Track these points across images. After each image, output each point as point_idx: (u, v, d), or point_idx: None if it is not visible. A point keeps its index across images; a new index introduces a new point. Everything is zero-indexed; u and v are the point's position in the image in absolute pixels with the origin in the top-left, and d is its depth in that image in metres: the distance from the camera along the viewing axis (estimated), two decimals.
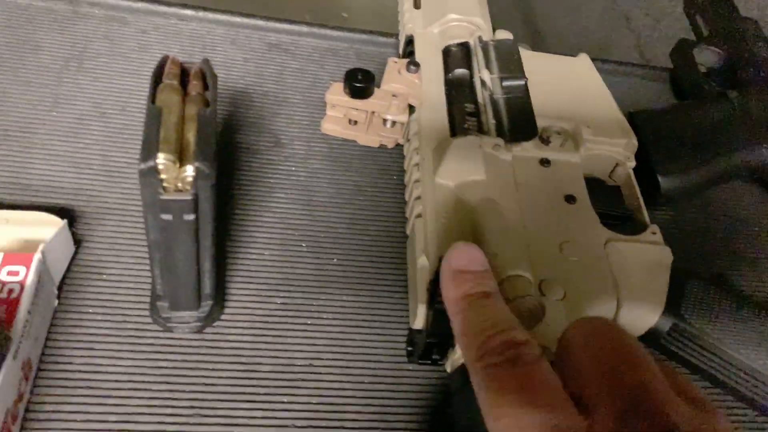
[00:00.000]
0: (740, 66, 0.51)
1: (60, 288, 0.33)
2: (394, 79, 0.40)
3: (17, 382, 0.27)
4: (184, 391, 0.31)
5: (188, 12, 0.48)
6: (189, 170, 0.25)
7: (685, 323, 0.32)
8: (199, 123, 0.26)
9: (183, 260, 0.28)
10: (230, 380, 0.32)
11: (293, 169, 0.41)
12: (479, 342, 0.23)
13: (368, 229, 0.39)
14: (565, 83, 0.43)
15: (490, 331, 0.23)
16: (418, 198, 0.35)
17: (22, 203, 0.35)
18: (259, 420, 0.31)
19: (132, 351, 0.32)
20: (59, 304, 0.32)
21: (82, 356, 0.31)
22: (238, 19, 0.49)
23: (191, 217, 0.26)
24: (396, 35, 0.50)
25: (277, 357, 0.33)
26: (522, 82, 0.40)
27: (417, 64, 0.41)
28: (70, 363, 0.31)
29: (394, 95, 0.39)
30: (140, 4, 0.47)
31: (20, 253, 0.30)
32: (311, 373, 0.33)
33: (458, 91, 0.41)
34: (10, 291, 0.28)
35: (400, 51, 0.46)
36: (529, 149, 0.38)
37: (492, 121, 0.39)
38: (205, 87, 0.29)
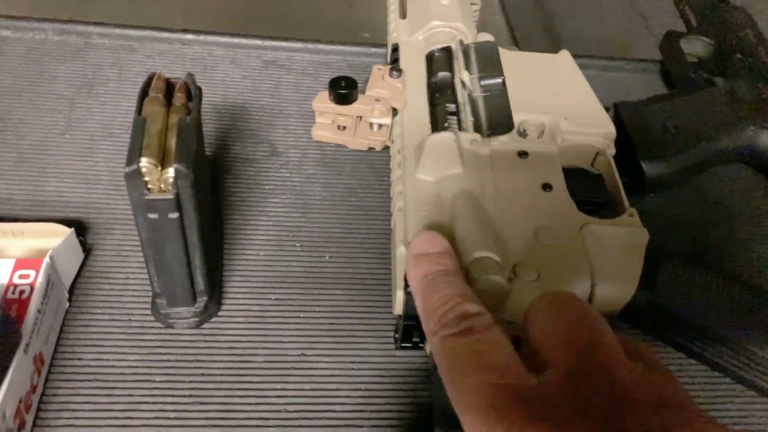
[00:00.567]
0: (728, 54, 0.51)
1: (71, 291, 0.36)
2: (378, 84, 0.42)
3: (29, 375, 0.30)
4: (183, 382, 0.33)
5: (190, 36, 0.51)
6: (170, 172, 0.27)
7: (660, 299, 0.33)
8: (179, 129, 0.29)
9: (173, 256, 0.30)
10: (227, 370, 0.34)
11: (288, 175, 0.44)
12: (436, 317, 0.25)
13: (359, 228, 0.41)
14: (545, 79, 0.45)
15: (446, 306, 0.25)
16: (400, 193, 0.37)
17: (37, 218, 0.38)
18: (253, 406, 0.33)
19: (136, 347, 0.34)
20: (71, 305, 0.35)
21: (91, 352, 0.34)
22: (236, 40, 0.52)
23: (175, 215, 0.28)
24: (386, 45, 0.53)
25: (271, 348, 0.35)
26: (499, 80, 0.42)
27: (399, 70, 0.43)
28: (81, 359, 0.33)
29: (377, 100, 0.42)
30: (146, 32, 0.51)
31: (31, 258, 0.33)
32: (303, 362, 0.35)
33: (440, 93, 0.43)
34: (22, 292, 0.31)
35: (388, 59, 0.49)
36: (507, 142, 0.39)
37: (470, 119, 0.40)
38: (189, 98, 0.31)
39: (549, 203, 0.37)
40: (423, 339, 0.34)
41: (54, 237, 0.35)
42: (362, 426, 0.33)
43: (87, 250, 0.38)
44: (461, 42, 0.45)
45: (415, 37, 0.47)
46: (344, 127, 0.43)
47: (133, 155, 0.27)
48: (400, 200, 0.37)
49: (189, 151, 0.28)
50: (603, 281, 0.33)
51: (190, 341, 0.35)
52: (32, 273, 0.32)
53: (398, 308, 0.32)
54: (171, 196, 0.28)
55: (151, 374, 0.33)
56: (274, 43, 0.52)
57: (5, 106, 0.45)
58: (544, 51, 0.47)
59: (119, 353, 0.34)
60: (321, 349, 0.35)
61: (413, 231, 0.34)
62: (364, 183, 0.44)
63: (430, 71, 0.45)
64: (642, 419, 0.20)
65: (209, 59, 0.51)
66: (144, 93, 0.31)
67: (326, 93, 0.41)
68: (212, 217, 0.37)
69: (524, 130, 0.40)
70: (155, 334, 0.35)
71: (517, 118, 0.40)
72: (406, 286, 0.31)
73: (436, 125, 0.40)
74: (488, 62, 0.43)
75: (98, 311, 0.35)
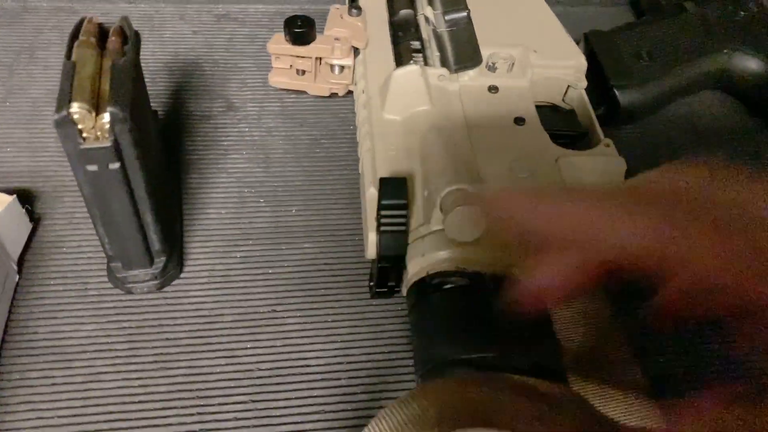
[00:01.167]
0: None
1: (20, 264, 0.33)
2: (337, 23, 0.40)
3: None
4: (146, 348, 0.31)
5: None
6: (106, 117, 0.25)
7: None
8: (113, 72, 0.26)
9: (121, 213, 0.28)
10: (192, 333, 0.32)
11: (247, 129, 0.41)
12: None
13: (326, 178, 0.39)
14: (512, 13, 0.43)
15: None
16: (368, 133, 0.35)
17: None
18: (223, 367, 0.31)
19: (94, 315, 0.32)
20: (21, 278, 0.33)
21: (45, 325, 0.32)
22: None
23: (116, 165, 0.26)
24: None
25: (240, 307, 0.33)
26: (464, 14, 0.40)
27: (359, 8, 0.40)
28: (35, 333, 0.31)
29: (337, 39, 0.39)
30: None
31: None
32: (274, 318, 0.33)
33: (403, 31, 0.41)
34: None
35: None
36: (476, 77, 0.38)
37: (436, 54, 0.38)
38: (124, 42, 0.29)
39: (522, 136, 0.35)
40: (399, 282, 0.32)
41: None
42: (339, 378, 0.31)
43: (36, 219, 0.35)
44: None
45: None
46: (303, 72, 0.41)
47: (63, 101, 0.25)
48: (367, 141, 0.35)
49: (125, 93, 0.26)
50: None
51: (152, 305, 0.33)
52: None
53: (371, 251, 0.31)
54: (108, 144, 0.25)
55: (111, 343, 0.31)
56: None
57: None
58: None
59: (76, 324, 0.32)
60: (292, 304, 0.34)
61: (383, 171, 0.32)
62: (329, 132, 0.42)
63: (392, 11, 0.42)
64: None
65: (157, 17, 0.48)
66: (74, 37, 0.28)
67: (281, 35, 0.39)
68: (164, 172, 0.35)
69: (493, 64, 0.38)
70: (114, 300, 0.33)
71: (484, 52, 0.38)
72: (380, 226, 0.29)
73: (401, 63, 0.38)
74: None
75: (51, 282, 0.33)
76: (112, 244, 0.30)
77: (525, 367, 0.24)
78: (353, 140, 0.41)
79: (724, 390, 0.18)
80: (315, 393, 0.30)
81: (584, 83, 0.39)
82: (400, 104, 0.35)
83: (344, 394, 0.31)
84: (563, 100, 0.40)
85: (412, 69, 0.36)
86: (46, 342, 0.31)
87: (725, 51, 0.44)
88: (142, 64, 0.31)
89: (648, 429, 0.24)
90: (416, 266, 0.30)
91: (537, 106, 0.37)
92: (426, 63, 0.38)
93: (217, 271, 0.34)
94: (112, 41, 0.29)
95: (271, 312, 0.33)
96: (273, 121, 0.42)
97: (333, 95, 0.42)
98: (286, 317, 0.33)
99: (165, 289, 0.33)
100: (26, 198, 0.36)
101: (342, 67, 0.41)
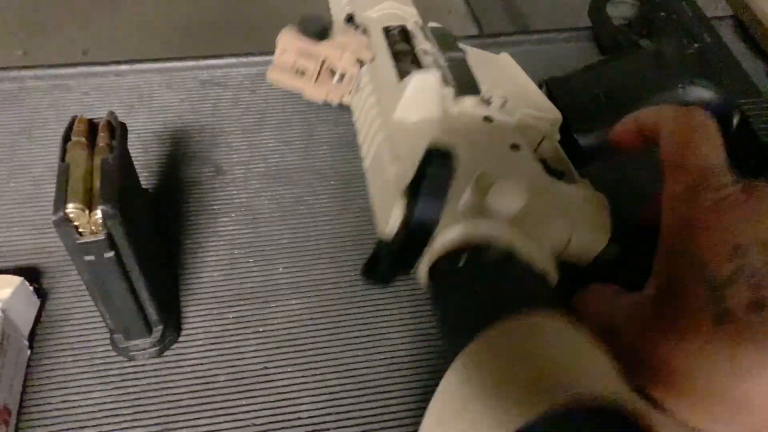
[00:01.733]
0: (652, 13, 0.52)
1: (31, 338, 0.36)
2: (344, 34, 0.41)
3: None
4: (151, 411, 0.34)
5: (124, 67, 0.52)
6: (98, 214, 0.28)
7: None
8: (103, 171, 0.29)
9: (118, 293, 0.31)
10: (192, 394, 0.35)
11: (235, 192, 0.44)
12: None
13: (310, 235, 0.42)
14: (494, 70, 0.45)
15: None
16: (380, 129, 0.37)
17: None
18: (222, 425, 0.34)
19: (102, 383, 0.35)
20: (33, 352, 0.36)
21: (57, 395, 0.34)
22: (170, 64, 0.52)
23: (110, 254, 0.29)
24: None
25: (234, 366, 0.36)
26: (462, 55, 0.41)
27: (365, 30, 0.43)
28: (48, 403, 0.34)
29: (345, 47, 0.41)
30: (79, 69, 0.51)
31: None
32: (266, 374, 0.36)
33: (403, 61, 0.42)
34: None
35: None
36: (473, 106, 0.39)
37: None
38: (112, 137, 0.32)
39: (519, 161, 0.37)
40: (408, 270, 0.31)
41: (5, 288, 0.35)
42: (328, 429, 0.34)
43: (44, 294, 0.38)
44: (416, 23, 0.45)
45: (366, 14, 0.47)
46: (303, 73, 0.42)
47: (59, 202, 0.28)
48: (380, 135, 0.36)
49: (114, 190, 0.29)
50: (580, 229, 0.33)
51: (154, 370, 0.35)
52: None
53: (391, 226, 0.31)
54: (102, 237, 0.28)
55: (118, 408, 0.34)
56: (208, 62, 0.53)
57: None
58: (506, 28, 0.46)
59: (85, 392, 0.35)
60: (283, 359, 0.36)
61: (407, 156, 0.33)
62: (311, 189, 0.45)
63: (390, 42, 0.44)
64: None
65: (145, 87, 0.51)
66: (66, 138, 0.31)
67: (294, 28, 0.40)
68: (157, 245, 0.38)
69: (489, 97, 0.40)
70: (119, 368, 0.35)
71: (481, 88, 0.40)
72: (417, 195, 0.27)
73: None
74: (447, 42, 0.43)
75: (61, 354, 0.36)
76: (112, 319, 0.33)
77: None
78: (333, 195, 0.44)
79: None
80: None
81: (558, 137, 0.42)
82: (415, 106, 0.36)
83: None
84: (536, 151, 0.42)
85: (431, 74, 0.37)
86: (58, 411, 0.34)
87: (680, 85, 0.46)
88: (135, 135, 0.35)
89: None
90: (450, 235, 0.30)
91: None
92: None
93: (212, 333, 0.37)
94: (101, 137, 0.32)
95: (263, 369, 0.36)
96: (259, 182, 0.45)
97: (326, 104, 0.43)
98: (278, 372, 0.36)
99: (165, 353, 0.36)
100: (33, 274, 0.39)
101: (342, 76, 0.42)
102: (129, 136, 0.34)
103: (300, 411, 0.34)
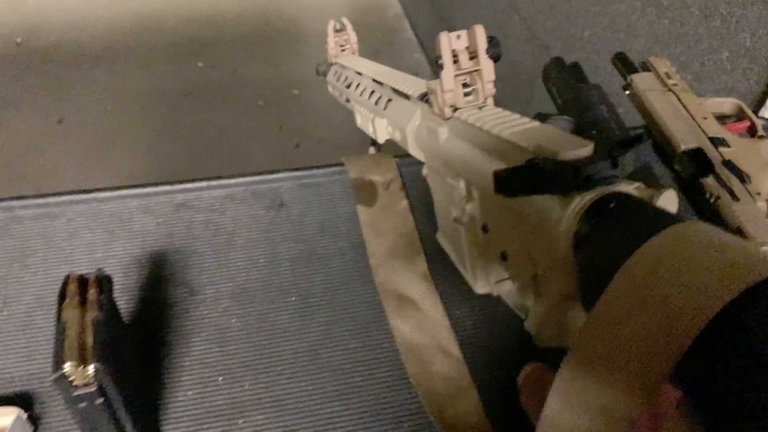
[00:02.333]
0: (586, 131, 0.60)
1: None
2: None
3: None
4: None
5: (105, 194, 0.58)
6: (91, 369, 0.34)
7: None
8: (95, 329, 0.35)
9: (106, 429, 0.36)
10: None
11: (206, 312, 0.50)
12: None
13: (273, 351, 0.48)
14: None
15: None
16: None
17: None
18: None
19: None
20: None
21: None
22: (147, 190, 0.59)
23: (100, 400, 0.34)
24: (289, 169, 0.60)
25: None
26: None
27: None
28: None
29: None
30: (64, 197, 0.57)
31: None
32: None
33: None
34: None
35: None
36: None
37: None
38: (101, 291, 0.38)
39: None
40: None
41: (3, 418, 0.41)
42: None
43: (36, 419, 0.43)
44: None
45: None
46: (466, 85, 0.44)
47: (58, 362, 0.33)
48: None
49: (106, 347, 0.34)
50: None
51: None
52: None
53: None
54: (94, 389, 0.34)
55: None
56: (181, 186, 0.59)
57: None
58: None
59: None
60: None
61: None
62: (274, 306, 0.51)
63: None
64: None
65: (125, 212, 0.57)
66: (62, 297, 0.37)
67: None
68: (139, 375, 0.43)
69: None
70: None
71: None
72: None
73: None
74: None
75: None
76: None
77: None
78: (295, 311, 0.50)
79: None
80: None
81: None
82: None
83: None
84: None
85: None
86: None
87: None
88: (116, 261, 0.41)
89: None
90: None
91: None
92: None
93: None
94: (92, 293, 0.37)
95: None
96: (227, 302, 0.51)
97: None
98: None
99: None
100: (26, 400, 0.44)
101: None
102: (110, 261, 0.40)
103: None
